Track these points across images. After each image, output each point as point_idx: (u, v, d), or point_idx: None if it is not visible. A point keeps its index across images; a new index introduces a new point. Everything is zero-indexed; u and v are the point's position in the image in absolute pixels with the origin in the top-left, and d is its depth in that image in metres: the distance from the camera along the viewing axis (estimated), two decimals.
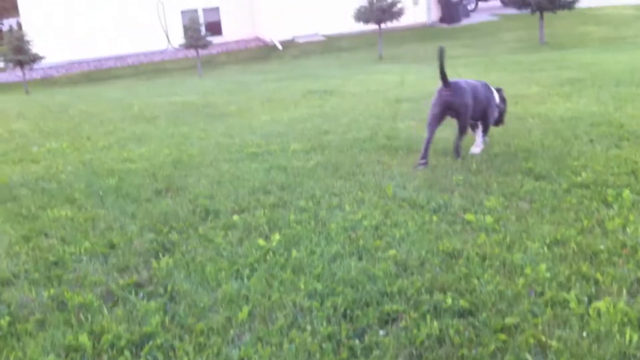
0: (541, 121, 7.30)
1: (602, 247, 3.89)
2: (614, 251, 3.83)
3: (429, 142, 5.84)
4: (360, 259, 3.91)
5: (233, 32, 25.93)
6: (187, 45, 20.40)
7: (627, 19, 27.30)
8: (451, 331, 3.06)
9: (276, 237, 4.27)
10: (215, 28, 25.31)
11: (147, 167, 6.37)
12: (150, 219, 4.77)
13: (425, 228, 4.35)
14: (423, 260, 3.82)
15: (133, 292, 3.60)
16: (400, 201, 4.88)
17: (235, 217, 4.71)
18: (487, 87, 6.28)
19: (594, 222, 4.28)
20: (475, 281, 3.56)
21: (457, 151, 6.01)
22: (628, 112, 7.56)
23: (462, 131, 5.98)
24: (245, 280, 3.66)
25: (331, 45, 24.21)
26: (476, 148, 6.22)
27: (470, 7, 29.89)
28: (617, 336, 2.97)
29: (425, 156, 5.80)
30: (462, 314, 3.23)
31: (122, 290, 3.62)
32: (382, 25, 20.79)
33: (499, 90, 6.46)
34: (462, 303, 3.30)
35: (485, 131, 6.29)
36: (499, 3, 29.76)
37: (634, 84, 9.70)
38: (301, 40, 25.01)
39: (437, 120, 5.94)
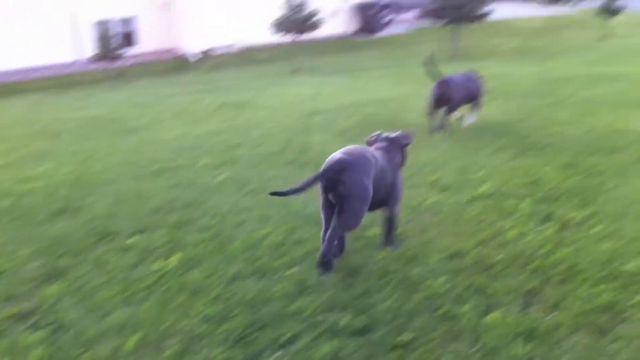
0: (449, 132, 7.41)
1: (499, 257, 3.96)
2: (510, 261, 3.91)
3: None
4: (260, 278, 3.85)
5: (149, 43, 25.39)
6: (99, 57, 19.84)
7: (537, 30, 28.30)
8: (346, 351, 3.03)
9: (175, 258, 4.15)
10: (130, 39, 24.78)
11: (45, 186, 6.09)
12: (42, 243, 4.54)
13: None
14: (323, 279, 3.78)
15: (17, 323, 3.41)
16: (305, 218, 4.84)
17: (134, 239, 4.55)
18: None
19: (492, 233, 4.36)
20: (374, 298, 3.55)
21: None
22: (532, 123, 7.78)
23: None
24: (138, 306, 3.53)
25: (248, 57, 24.06)
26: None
27: (387, 19, 30.34)
28: (508, 348, 3.01)
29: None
30: (358, 332, 3.20)
31: (4, 322, 3.42)
32: (301, 36, 20.82)
33: None
34: (359, 321, 3.28)
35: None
36: (415, 15, 30.31)
37: (540, 96, 10.01)
38: (218, 52, 24.77)
39: None
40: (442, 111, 7.42)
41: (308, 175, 5.89)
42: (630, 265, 3.74)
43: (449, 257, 4.02)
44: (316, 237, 4.37)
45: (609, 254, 3.91)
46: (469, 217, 4.69)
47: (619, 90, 9.92)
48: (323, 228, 3.93)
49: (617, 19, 25.43)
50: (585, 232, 4.29)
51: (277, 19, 20.38)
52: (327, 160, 4.11)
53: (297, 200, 5.22)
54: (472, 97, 7.78)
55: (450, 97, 7.36)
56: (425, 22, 24.11)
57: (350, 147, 4.22)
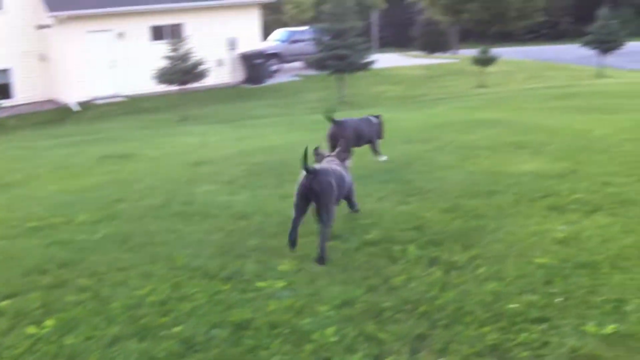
0: None
1: (387, 304, 3.95)
2: (398, 307, 3.91)
3: None
4: (143, 339, 3.65)
5: (27, 94, 24.43)
6: None
7: (417, 78, 29.51)
8: None
9: (50, 322, 3.87)
10: (5, 90, 23.75)
11: None
12: None
13: (216, 299, 4.18)
14: (211, 335, 3.64)
15: None
16: (191, 271, 4.68)
17: (4, 303, 4.22)
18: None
19: (380, 280, 4.36)
20: (263, 352, 3.44)
21: None
22: (416, 168, 7.98)
23: None
24: None
25: (133, 106, 23.61)
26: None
27: (274, 67, 30.74)
28: None
29: None
30: None
31: None
32: (187, 86, 20.67)
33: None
34: None
35: None
36: (301, 64, 30.85)
37: (423, 141, 10.33)
38: (100, 102, 24.15)
39: None
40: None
41: (194, 227, 5.78)
42: (514, 305, 3.82)
43: (339, 306, 3.97)
44: (203, 291, 4.24)
45: (493, 295, 3.99)
46: (358, 264, 4.69)
47: (496, 135, 10.39)
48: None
49: (492, 68, 26.93)
50: (470, 274, 4.38)
51: (161, 69, 20.16)
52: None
53: (183, 253, 5.07)
54: (366, 139, 8.33)
55: (341, 137, 7.61)
56: (312, 71, 24.57)
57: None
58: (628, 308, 3.71)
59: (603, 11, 28.27)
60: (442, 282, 4.26)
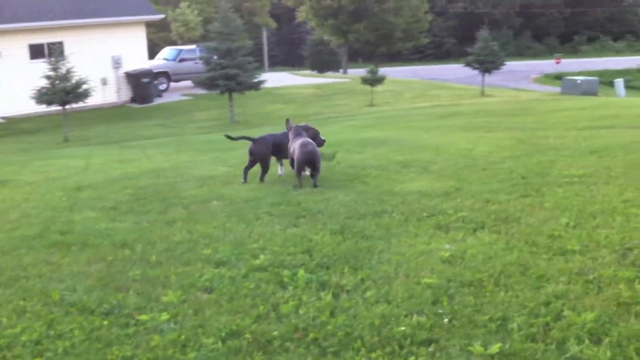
0: (225, 203, 7.32)
1: (276, 333, 3.84)
2: (287, 336, 3.81)
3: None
4: None
5: None
6: None
7: (309, 97, 29.78)
8: None
9: None
10: None
11: None
12: None
13: (94, 336, 3.93)
14: None
15: None
16: (68, 307, 4.39)
17: None
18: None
19: (269, 307, 4.24)
20: None
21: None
22: (305, 190, 7.95)
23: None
24: None
25: (12, 128, 22.45)
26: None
27: (162, 86, 30.14)
28: None
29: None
30: None
31: None
32: (69, 106, 19.84)
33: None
34: None
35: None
36: (190, 83, 30.44)
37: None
38: None
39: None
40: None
41: (71, 258, 5.45)
42: (402, 327, 3.80)
43: (225, 338, 3.82)
44: (80, 328, 3.99)
45: (382, 318, 3.96)
46: (245, 291, 4.55)
47: (384, 154, 10.55)
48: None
49: (381, 87, 27.56)
50: (359, 297, 4.34)
51: (40, 89, 19.25)
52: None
53: (59, 287, 4.76)
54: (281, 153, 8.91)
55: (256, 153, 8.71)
56: (202, 90, 24.26)
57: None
58: (512, 326, 3.77)
59: (483, 33, 29.61)
60: (331, 306, 4.20)
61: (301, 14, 57.63)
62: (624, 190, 6.97)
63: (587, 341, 3.52)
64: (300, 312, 4.14)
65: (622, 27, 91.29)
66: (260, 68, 25.47)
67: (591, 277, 4.45)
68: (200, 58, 22.84)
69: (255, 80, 21.95)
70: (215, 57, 21.50)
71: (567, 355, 3.43)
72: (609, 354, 3.37)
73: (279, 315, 4.12)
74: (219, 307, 4.31)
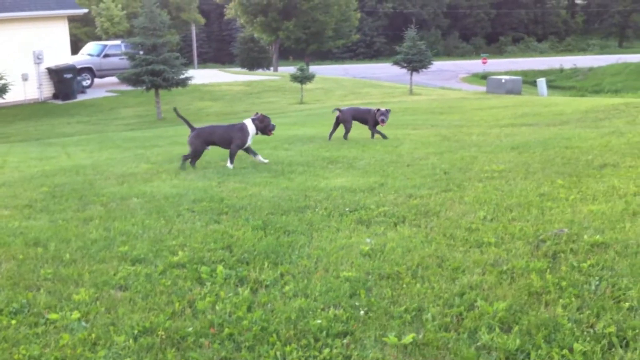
0: (146, 200, 7.16)
1: (190, 329, 3.77)
2: (202, 332, 3.74)
3: None
4: None
5: None
6: None
7: (238, 94, 29.57)
8: None
9: None
10: None
11: None
12: None
13: (1, 335, 3.76)
14: None
15: None
16: None
17: None
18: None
19: (185, 304, 4.16)
20: None
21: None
22: (229, 186, 7.87)
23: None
24: None
25: None
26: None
27: (86, 82, 29.37)
28: None
29: None
30: None
31: None
32: None
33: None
34: None
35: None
36: (116, 79, 29.78)
37: (238, 158, 10.22)
38: None
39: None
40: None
41: None
42: (318, 321, 3.79)
43: (138, 335, 3.72)
44: None
45: (298, 312, 3.94)
46: (161, 288, 4.45)
47: (311, 150, 10.57)
48: None
49: (311, 85, 27.61)
50: (277, 292, 4.31)
51: None
52: None
53: None
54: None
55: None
56: (127, 86, 23.75)
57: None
58: (426, 317, 3.81)
59: (410, 32, 30.04)
60: (249, 301, 4.15)
61: (230, 11, 57.15)
62: (540, 185, 7.17)
63: (497, 330, 3.59)
64: (217, 308, 4.08)
65: (545, 29, 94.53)
66: (189, 64, 25.10)
67: (505, 268, 4.55)
68: (125, 54, 22.30)
69: (182, 76, 21.62)
70: (141, 52, 21.07)
71: (478, 344, 3.49)
72: (518, 341, 3.44)
73: (194, 312, 4.05)
74: (133, 304, 4.20)
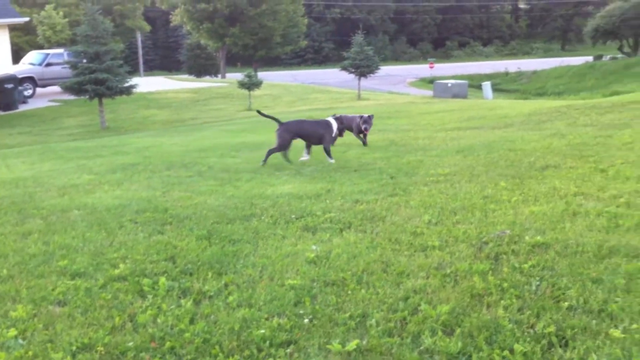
0: (87, 212, 6.99)
1: (131, 344, 3.68)
2: (143, 346, 3.66)
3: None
4: None
5: None
6: None
7: (185, 102, 29.26)
8: None
9: None
10: None
11: None
12: None
13: None
14: None
15: None
16: None
17: None
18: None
19: (125, 318, 4.07)
20: None
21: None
22: (174, 195, 7.76)
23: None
24: None
25: None
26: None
27: (28, 92, 28.67)
28: None
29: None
30: None
31: None
32: None
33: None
34: None
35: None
36: (59, 89, 29.17)
37: (184, 167, 10.13)
38: None
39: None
40: None
41: None
42: (262, 330, 3.75)
43: (76, 352, 3.62)
44: None
45: (242, 322, 3.89)
46: (102, 302, 4.34)
47: (258, 158, 10.50)
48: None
49: (260, 91, 27.51)
50: (221, 302, 4.24)
51: None
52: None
53: None
54: None
55: None
56: (71, 96, 23.27)
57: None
58: (370, 322, 3.81)
59: (358, 38, 30.22)
60: (191, 313, 4.08)
61: (176, 18, 56.55)
62: (484, 187, 7.27)
63: (440, 333, 3.61)
64: (159, 321, 3.99)
65: (490, 33, 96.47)
66: (134, 72, 24.72)
67: (448, 271, 4.59)
68: (68, 62, 21.84)
69: (127, 84, 21.27)
70: (83, 61, 20.66)
71: (421, 348, 3.50)
72: (460, 344, 3.46)
73: (135, 326, 3.96)
74: (72, 320, 4.08)
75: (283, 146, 10.10)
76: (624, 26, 55.27)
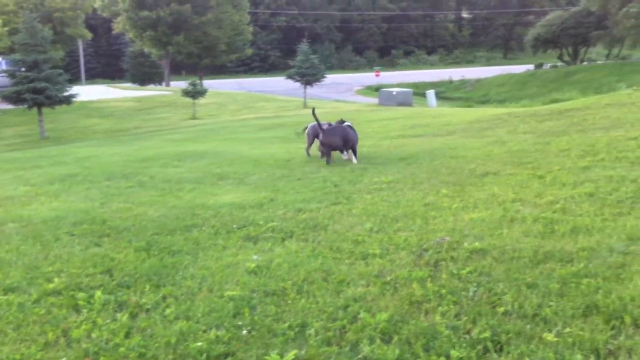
0: (22, 225, 6.80)
1: (64, 359, 3.58)
2: None
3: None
4: None
5: None
6: None
7: (128, 111, 28.82)
8: None
9: None
10: None
11: None
12: None
13: None
14: None
15: None
16: None
17: None
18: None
19: (59, 333, 3.95)
20: None
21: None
22: (113, 207, 7.61)
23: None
24: None
25: None
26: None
27: None
28: None
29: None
30: None
31: None
32: None
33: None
34: None
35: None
36: None
37: (125, 177, 9.95)
38: None
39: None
40: None
41: None
42: (199, 343, 3.69)
43: None
44: None
45: (179, 335, 3.82)
46: (35, 318, 4.21)
47: (202, 167, 10.41)
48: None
49: (205, 100, 27.28)
50: (158, 315, 4.17)
51: None
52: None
53: None
54: None
55: None
56: (8, 105, 22.65)
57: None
58: (309, 332, 3.79)
59: (303, 46, 30.30)
60: (127, 327, 3.99)
61: (118, 25, 55.63)
62: (426, 195, 7.35)
63: (378, 341, 3.61)
64: (93, 335, 3.90)
65: (435, 42, 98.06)
66: (75, 81, 24.21)
67: (388, 278, 4.60)
68: (5, 71, 21.25)
69: (66, 93, 20.81)
70: (22, 69, 20.13)
71: (360, 356, 3.49)
72: (397, 351, 3.47)
73: (69, 341, 3.85)
74: (3, 336, 3.95)
75: (333, 149, 10.80)
76: (564, 35, 57.00)
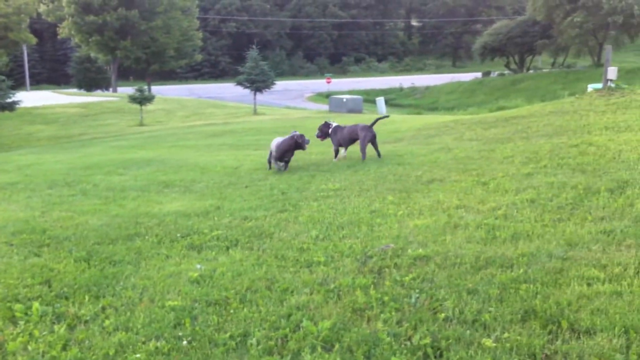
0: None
1: None
2: None
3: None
4: None
5: None
6: None
7: (74, 117, 28.29)
8: None
9: None
10: None
11: None
12: None
13: None
14: None
15: None
16: None
17: None
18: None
19: None
20: None
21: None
22: (54, 215, 7.43)
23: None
24: None
25: None
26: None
27: None
28: None
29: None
30: None
31: None
32: None
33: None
34: None
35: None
36: None
37: (67, 185, 9.74)
38: None
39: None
40: None
41: None
42: (138, 355, 3.63)
43: None
44: None
45: (118, 347, 3.75)
46: None
47: (147, 175, 10.26)
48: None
49: (152, 106, 26.96)
50: (97, 327, 4.08)
51: None
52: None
53: None
54: None
55: None
56: None
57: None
58: (251, 341, 3.76)
59: (252, 52, 30.23)
60: (65, 339, 3.90)
61: (64, 30, 54.53)
62: (372, 202, 7.39)
63: (319, 349, 3.61)
64: (30, 348, 3.80)
65: (385, 49, 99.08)
66: (20, 87, 23.65)
67: (332, 286, 4.60)
68: None
69: (9, 100, 20.33)
70: None
71: None
72: (338, 359, 3.47)
73: (4, 354, 3.74)
74: None
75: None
76: (510, 44, 58.31)
